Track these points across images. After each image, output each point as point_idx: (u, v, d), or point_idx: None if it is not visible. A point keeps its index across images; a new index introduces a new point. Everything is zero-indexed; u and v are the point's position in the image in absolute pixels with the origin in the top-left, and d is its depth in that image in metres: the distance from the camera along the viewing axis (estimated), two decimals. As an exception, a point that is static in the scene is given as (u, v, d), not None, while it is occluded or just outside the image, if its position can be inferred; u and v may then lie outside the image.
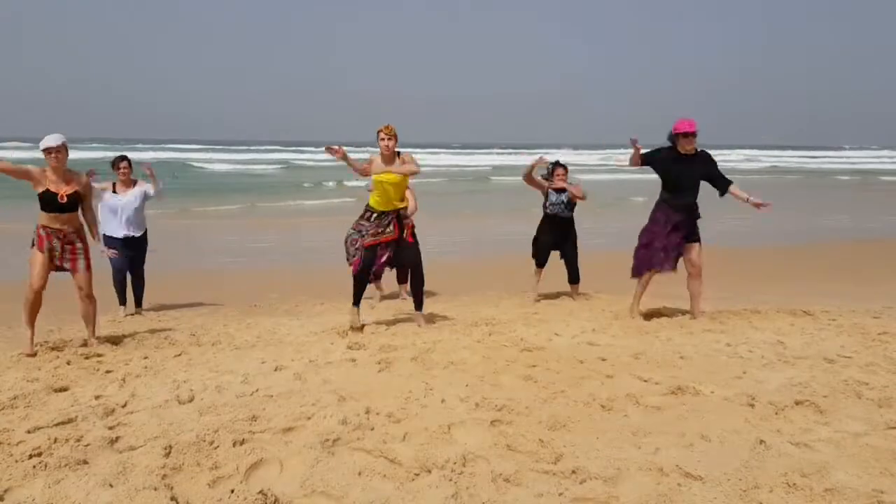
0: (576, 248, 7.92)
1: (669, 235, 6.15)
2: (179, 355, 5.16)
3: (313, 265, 10.79)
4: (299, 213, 19.86)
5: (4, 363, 4.96)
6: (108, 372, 4.69)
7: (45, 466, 3.00)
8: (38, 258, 5.21)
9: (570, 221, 7.88)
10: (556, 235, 7.87)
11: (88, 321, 5.51)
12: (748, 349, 5.01)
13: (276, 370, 4.60)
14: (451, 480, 2.86)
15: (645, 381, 4.24)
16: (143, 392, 4.16)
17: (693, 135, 6.05)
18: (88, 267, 5.40)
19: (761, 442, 3.23)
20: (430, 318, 6.40)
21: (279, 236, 14.44)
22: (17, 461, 3.07)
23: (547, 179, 7.84)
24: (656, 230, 6.21)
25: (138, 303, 7.67)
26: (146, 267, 7.76)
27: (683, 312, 6.41)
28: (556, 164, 7.89)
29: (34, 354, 5.14)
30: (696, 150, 6.14)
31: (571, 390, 4.05)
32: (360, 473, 2.93)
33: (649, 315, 6.37)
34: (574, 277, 7.95)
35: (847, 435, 3.34)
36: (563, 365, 4.60)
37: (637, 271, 6.35)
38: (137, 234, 7.50)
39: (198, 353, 5.24)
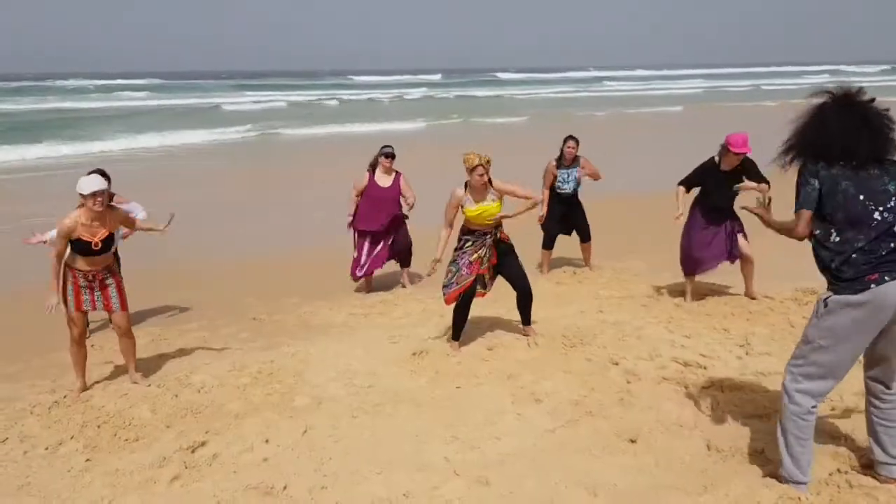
0: (586, 221, 7.65)
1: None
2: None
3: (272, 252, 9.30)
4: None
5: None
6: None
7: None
8: (72, 315, 4.90)
9: (577, 199, 7.57)
10: (565, 218, 7.56)
11: (128, 357, 5.17)
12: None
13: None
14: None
15: None
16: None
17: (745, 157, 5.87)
18: (124, 306, 5.07)
19: None
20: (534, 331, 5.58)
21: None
22: None
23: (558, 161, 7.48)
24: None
25: None
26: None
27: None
28: (568, 137, 7.44)
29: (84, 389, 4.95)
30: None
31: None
32: None
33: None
34: (586, 235, 7.67)
35: None
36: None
37: None
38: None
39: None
